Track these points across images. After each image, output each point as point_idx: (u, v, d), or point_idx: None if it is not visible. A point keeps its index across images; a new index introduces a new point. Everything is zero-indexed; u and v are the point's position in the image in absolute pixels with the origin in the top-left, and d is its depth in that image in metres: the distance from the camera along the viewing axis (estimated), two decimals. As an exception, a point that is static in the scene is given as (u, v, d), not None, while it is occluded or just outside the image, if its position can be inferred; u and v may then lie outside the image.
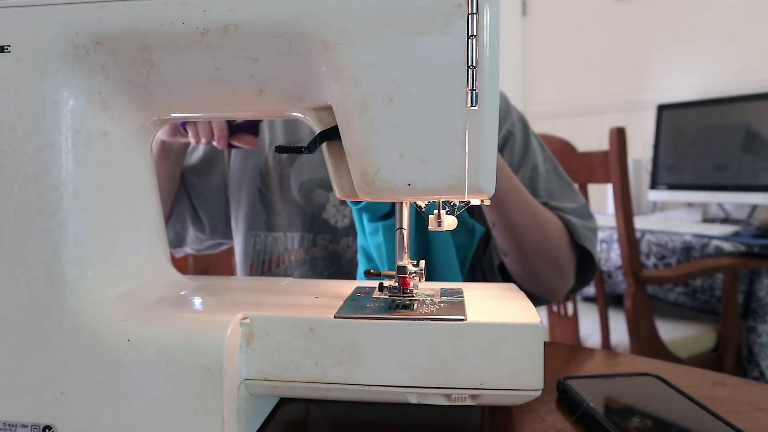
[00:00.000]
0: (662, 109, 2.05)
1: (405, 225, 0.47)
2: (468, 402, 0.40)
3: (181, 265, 1.69)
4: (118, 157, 0.45)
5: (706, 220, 1.91)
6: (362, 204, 0.68)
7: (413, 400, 0.41)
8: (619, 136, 1.35)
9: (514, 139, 0.83)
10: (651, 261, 1.65)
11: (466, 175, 0.39)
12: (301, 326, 0.40)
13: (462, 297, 0.46)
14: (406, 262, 0.46)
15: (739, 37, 2.05)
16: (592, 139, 2.38)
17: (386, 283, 0.47)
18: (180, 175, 0.89)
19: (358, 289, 0.49)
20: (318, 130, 0.43)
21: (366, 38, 0.38)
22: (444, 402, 0.41)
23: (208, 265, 1.81)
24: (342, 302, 0.44)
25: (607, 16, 2.42)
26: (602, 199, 2.20)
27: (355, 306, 0.43)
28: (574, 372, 0.57)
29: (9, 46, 0.40)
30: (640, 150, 2.27)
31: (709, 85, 2.10)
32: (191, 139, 0.70)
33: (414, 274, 0.46)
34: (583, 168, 1.45)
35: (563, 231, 0.77)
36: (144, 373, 0.39)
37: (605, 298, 1.49)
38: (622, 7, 2.37)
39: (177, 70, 0.41)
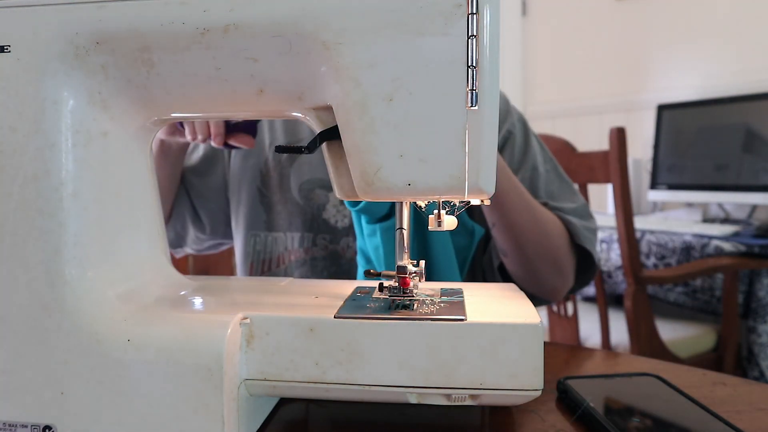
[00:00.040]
0: (662, 109, 2.05)
1: (405, 225, 0.47)
2: (468, 402, 0.40)
3: (181, 265, 1.69)
4: (118, 157, 0.45)
5: (706, 220, 1.91)
6: (360, 206, 0.68)
7: (413, 400, 0.41)
8: (619, 136, 1.35)
9: (514, 139, 0.83)
10: (651, 261, 1.65)
11: (466, 175, 0.39)
12: (301, 326, 0.40)
13: (462, 297, 0.46)
14: (406, 262, 0.46)
15: (739, 37, 2.05)
16: (592, 139, 2.38)
17: (386, 283, 0.47)
18: (180, 175, 0.89)
19: (358, 289, 0.49)
20: (318, 130, 0.43)
21: (366, 38, 0.38)
22: (444, 402, 0.41)
23: (208, 265, 1.81)
24: (342, 302, 0.44)
25: (607, 16, 2.42)
26: (602, 199, 2.20)
27: (355, 306, 0.43)
28: (574, 372, 0.57)
29: (9, 46, 0.40)
30: (640, 150, 2.27)
31: (709, 85, 2.10)
32: (188, 136, 0.70)
33: (414, 274, 0.46)
34: (583, 168, 1.45)
35: (563, 231, 0.77)
36: (144, 373, 0.39)
37: (605, 298, 1.49)
38: (622, 7, 2.37)
39: (177, 70, 0.41)
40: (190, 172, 0.91)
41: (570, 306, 1.57)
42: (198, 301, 0.46)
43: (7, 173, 0.40)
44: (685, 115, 1.99)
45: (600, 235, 1.69)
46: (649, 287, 1.58)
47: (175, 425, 0.38)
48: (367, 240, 0.71)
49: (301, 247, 0.85)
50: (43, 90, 0.40)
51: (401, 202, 0.46)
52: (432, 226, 0.43)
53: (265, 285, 0.53)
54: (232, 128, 0.70)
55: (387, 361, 0.39)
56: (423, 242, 0.72)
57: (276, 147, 0.44)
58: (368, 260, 0.72)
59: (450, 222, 0.44)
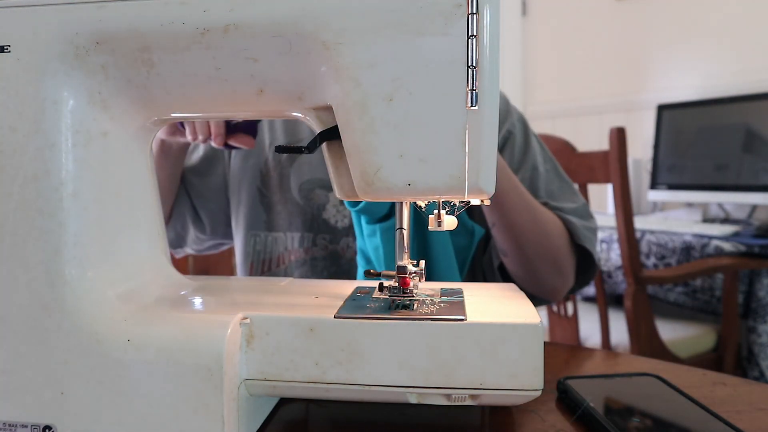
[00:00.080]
0: (662, 109, 2.05)
1: (405, 225, 0.47)
2: (468, 402, 0.40)
3: (181, 265, 1.69)
4: (118, 157, 0.45)
5: (706, 220, 1.91)
6: (360, 206, 0.68)
7: (413, 400, 0.41)
8: (619, 136, 1.35)
9: (514, 139, 0.83)
10: (651, 261, 1.65)
11: (466, 175, 0.39)
12: (301, 326, 0.40)
13: (462, 297, 0.46)
14: (406, 262, 0.46)
15: (739, 37, 2.05)
16: (592, 139, 2.38)
17: (386, 283, 0.47)
18: (180, 175, 0.89)
19: (358, 289, 0.49)
20: (318, 130, 0.43)
21: (366, 38, 0.38)
22: (444, 402, 0.41)
23: (208, 265, 1.82)
24: (342, 302, 0.44)
25: (607, 16, 2.42)
26: (602, 199, 2.20)
27: (355, 306, 0.43)
28: (574, 372, 0.57)
29: (9, 46, 0.40)
30: (640, 150, 2.27)
31: (709, 85, 2.10)
32: (188, 136, 0.70)
33: (414, 274, 0.46)
34: (583, 168, 1.45)
35: (563, 231, 0.77)
36: (144, 373, 0.39)
37: (605, 298, 1.49)
38: (622, 7, 2.37)
39: (177, 70, 0.41)
40: (190, 172, 0.91)
41: (570, 306, 1.57)
42: (198, 301, 0.46)
43: (7, 173, 0.40)
44: (685, 115, 1.99)
45: (600, 235, 1.69)
46: (649, 287, 1.58)
47: (175, 425, 0.38)
48: (367, 240, 0.71)
49: (301, 247, 0.85)
50: (43, 90, 0.40)
51: (401, 202, 0.46)
52: (432, 226, 0.43)
53: (265, 285, 0.53)
54: (232, 128, 0.70)
55: (387, 361, 0.39)
56: (423, 242, 0.72)
57: (276, 147, 0.44)
58: (368, 260, 0.72)
59: (450, 222, 0.44)
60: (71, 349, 0.39)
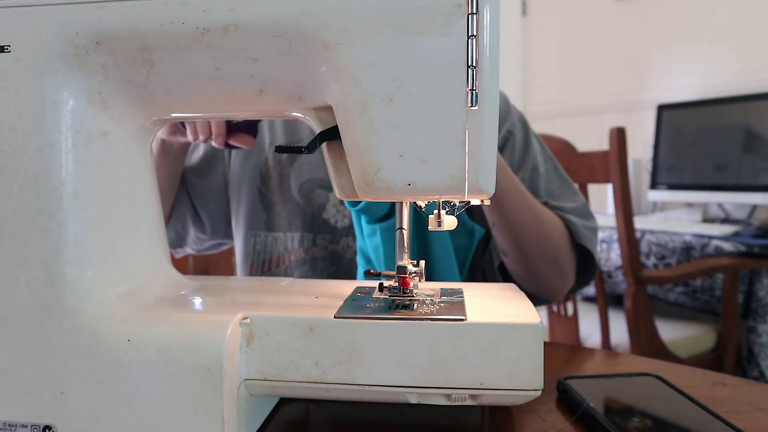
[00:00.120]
0: (662, 109, 2.05)
1: (405, 225, 0.47)
2: (468, 402, 0.40)
3: (181, 265, 1.69)
4: (118, 157, 0.45)
5: (706, 220, 1.91)
6: (360, 206, 0.68)
7: (413, 400, 0.41)
8: (619, 136, 1.35)
9: (515, 139, 0.83)
10: (651, 261, 1.65)
11: (466, 175, 0.39)
12: (301, 326, 0.40)
13: (462, 297, 0.46)
14: (406, 262, 0.46)
15: (739, 37, 2.05)
16: (592, 139, 2.38)
17: (386, 283, 0.47)
18: (181, 175, 0.89)
19: (358, 289, 0.49)
20: (318, 130, 0.43)
21: (366, 38, 0.38)
22: (444, 402, 0.41)
23: (208, 265, 1.82)
24: (342, 302, 0.44)
25: (607, 16, 2.42)
26: (602, 199, 2.20)
27: (355, 306, 0.43)
28: (574, 372, 0.57)
29: (9, 46, 0.40)
30: (640, 150, 2.27)
31: (709, 85, 2.10)
32: (189, 136, 0.70)
33: (414, 274, 0.46)
34: (583, 168, 1.45)
35: (563, 231, 0.77)
36: (144, 373, 0.39)
37: (605, 298, 1.49)
38: (622, 7, 2.37)
39: (177, 70, 0.41)
40: (190, 172, 0.91)
41: (570, 306, 1.57)
42: (198, 301, 0.46)
43: (7, 173, 0.40)
44: (685, 115, 1.99)
45: (600, 235, 1.69)
46: (649, 287, 1.58)
47: (175, 425, 0.38)
48: (367, 240, 0.71)
49: (301, 247, 0.85)
50: (43, 90, 0.40)
51: (401, 202, 0.46)
52: (432, 226, 0.43)
53: (265, 285, 0.53)
54: (232, 128, 0.70)
55: (387, 361, 0.39)
56: (423, 242, 0.72)
57: (276, 147, 0.44)
58: (368, 260, 0.72)
59: (450, 222, 0.44)
60: (71, 349, 0.39)
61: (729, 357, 1.54)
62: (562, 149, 1.46)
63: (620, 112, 2.37)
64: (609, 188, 1.93)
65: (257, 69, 0.41)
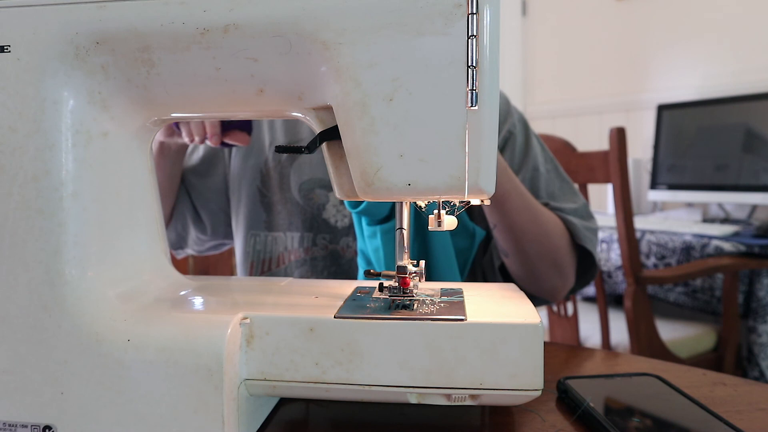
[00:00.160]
0: (662, 109, 2.05)
1: (405, 225, 0.47)
2: (468, 402, 0.40)
3: (181, 265, 1.69)
4: (118, 157, 0.45)
5: (706, 220, 1.91)
6: (361, 207, 0.68)
7: (413, 400, 0.41)
8: (619, 136, 1.35)
9: (515, 139, 0.83)
10: (651, 261, 1.65)
11: (466, 175, 0.39)
12: (301, 326, 0.40)
13: (462, 297, 0.46)
14: (406, 262, 0.46)
15: (739, 37, 2.05)
16: (592, 139, 2.39)
17: (386, 283, 0.47)
18: (180, 175, 0.89)
19: (358, 289, 0.49)
20: (318, 130, 0.43)
21: (366, 38, 0.38)
22: (444, 402, 0.41)
23: (208, 266, 1.82)
24: (342, 302, 0.44)
25: (607, 16, 2.42)
26: (602, 199, 2.20)
27: (355, 306, 0.43)
28: (574, 372, 0.57)
29: (9, 46, 0.40)
30: (640, 150, 2.27)
31: (709, 85, 2.10)
32: (185, 138, 0.70)
33: (414, 274, 0.46)
34: (583, 168, 1.45)
35: (564, 231, 0.77)
36: (144, 373, 0.39)
37: (605, 298, 1.50)
38: (622, 7, 2.37)
39: (177, 70, 0.41)
40: (190, 172, 0.91)
41: (570, 306, 1.57)
42: (198, 301, 0.46)
43: (7, 173, 0.40)
44: (685, 115, 1.99)
45: (600, 235, 1.69)
46: (649, 287, 1.58)
47: (175, 425, 0.38)
48: (368, 242, 0.71)
49: (301, 246, 0.85)
50: (43, 90, 0.40)
51: (401, 203, 0.46)
52: (432, 226, 0.43)
53: (265, 285, 0.53)
54: (227, 127, 0.70)
55: (387, 361, 0.39)
56: (423, 243, 0.72)
57: (276, 147, 0.44)
58: (368, 262, 0.72)
59: (450, 222, 0.44)
60: (71, 349, 0.39)
61: (729, 357, 1.54)
62: (562, 149, 1.46)
63: (620, 112, 2.37)
64: (609, 188, 1.93)
65: (257, 69, 0.41)
